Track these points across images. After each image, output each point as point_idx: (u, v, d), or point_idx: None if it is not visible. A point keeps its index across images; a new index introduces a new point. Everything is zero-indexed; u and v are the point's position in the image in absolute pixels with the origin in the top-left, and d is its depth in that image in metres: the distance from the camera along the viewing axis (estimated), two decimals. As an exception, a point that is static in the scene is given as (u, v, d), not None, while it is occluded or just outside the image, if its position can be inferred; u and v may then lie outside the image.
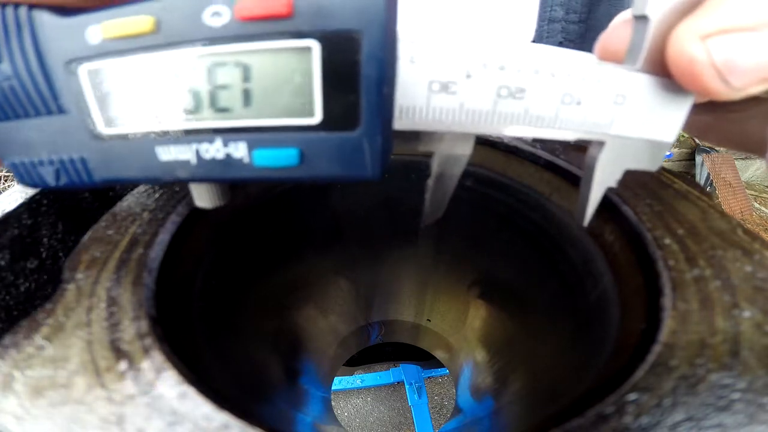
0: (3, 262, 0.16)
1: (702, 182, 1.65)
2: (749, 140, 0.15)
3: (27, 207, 0.17)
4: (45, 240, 0.18)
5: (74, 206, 0.19)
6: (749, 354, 0.11)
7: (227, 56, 0.09)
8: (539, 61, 0.11)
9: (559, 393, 0.17)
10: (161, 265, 0.14)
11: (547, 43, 0.27)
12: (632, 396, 0.10)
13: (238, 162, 0.10)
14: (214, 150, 0.09)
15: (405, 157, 0.23)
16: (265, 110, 0.09)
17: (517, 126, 0.11)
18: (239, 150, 0.09)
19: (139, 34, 0.09)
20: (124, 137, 0.10)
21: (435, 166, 0.13)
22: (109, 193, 0.22)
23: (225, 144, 0.09)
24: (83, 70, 0.09)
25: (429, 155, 0.23)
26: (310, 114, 0.09)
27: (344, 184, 0.23)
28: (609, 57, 0.12)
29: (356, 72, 0.08)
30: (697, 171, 1.73)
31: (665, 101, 0.12)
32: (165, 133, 0.09)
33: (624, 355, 0.12)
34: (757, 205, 1.70)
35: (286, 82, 0.09)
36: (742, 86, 0.10)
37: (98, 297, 0.12)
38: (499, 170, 0.21)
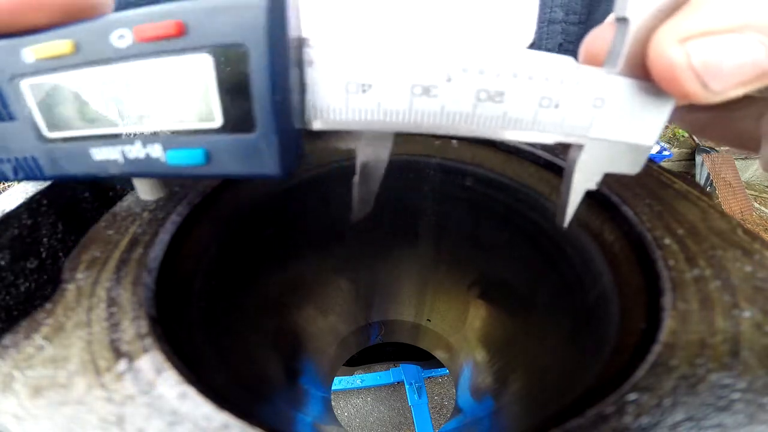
0: (3, 262, 0.16)
1: (702, 182, 1.66)
2: (745, 138, 0.15)
3: (27, 207, 0.17)
4: (45, 240, 0.18)
5: (74, 206, 0.19)
6: (749, 354, 0.11)
7: (135, 71, 0.10)
8: (517, 64, 0.11)
9: (559, 393, 0.17)
10: (161, 265, 0.14)
11: (547, 44, 0.27)
12: (632, 396, 0.10)
13: (156, 161, 0.11)
14: (136, 151, 0.11)
15: (405, 157, 0.23)
16: (174, 116, 0.10)
17: (496, 129, 0.11)
18: (156, 150, 0.11)
19: (63, 54, 0.10)
20: (64, 140, 0.11)
21: (358, 163, 0.13)
22: (109, 193, 0.22)
23: (144, 146, 0.11)
24: (25, 84, 0.11)
25: (428, 155, 0.23)
26: (212, 119, 0.10)
27: (344, 184, 0.23)
28: (592, 59, 0.12)
29: (247, 81, 0.10)
30: (697, 171, 1.73)
31: (645, 104, 0.12)
32: (95, 137, 0.11)
33: (624, 355, 0.12)
34: (757, 205, 1.70)
35: (189, 91, 0.10)
36: (721, 90, 0.10)
37: (98, 297, 0.12)
38: (498, 170, 0.21)
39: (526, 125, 0.11)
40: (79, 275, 0.13)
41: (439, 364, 0.39)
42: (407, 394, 0.88)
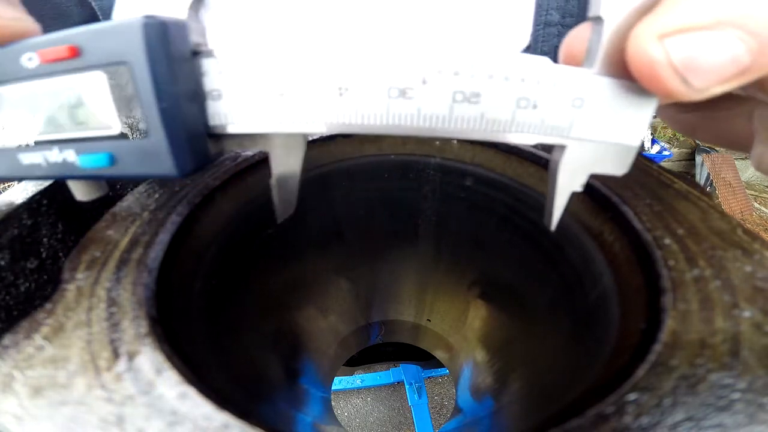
0: (3, 262, 0.16)
1: (702, 182, 1.66)
2: (736, 138, 0.15)
3: (27, 207, 0.17)
4: (45, 240, 0.18)
5: (74, 206, 0.19)
6: (749, 354, 0.11)
7: (43, 88, 0.12)
8: (492, 65, 0.11)
9: (559, 393, 0.17)
10: (161, 265, 0.14)
11: (543, 47, 0.27)
12: (632, 396, 0.10)
13: (72, 164, 0.12)
14: (55, 156, 0.12)
15: (405, 157, 0.23)
16: (82, 125, 0.12)
17: (475, 130, 0.11)
18: (70, 155, 0.12)
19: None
20: (-2, 146, 0.13)
21: (273, 165, 0.13)
22: (109, 193, 0.22)
23: (60, 151, 0.12)
24: None
25: (428, 155, 0.23)
26: (111, 127, 0.12)
27: (344, 184, 0.23)
28: (571, 59, 0.12)
29: (135, 93, 0.11)
30: (697, 171, 1.73)
31: (627, 104, 0.12)
32: (21, 145, 0.13)
33: (624, 355, 0.12)
34: (757, 205, 1.70)
35: (89, 103, 0.12)
36: (703, 87, 0.10)
37: (98, 297, 0.12)
38: (499, 170, 0.21)
39: (505, 126, 0.11)
40: (79, 275, 0.13)
41: (439, 364, 0.39)
42: (407, 394, 0.88)
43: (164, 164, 0.12)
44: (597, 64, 0.11)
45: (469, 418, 0.28)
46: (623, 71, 0.11)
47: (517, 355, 0.26)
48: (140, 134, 0.12)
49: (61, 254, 0.19)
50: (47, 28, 0.27)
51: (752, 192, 1.76)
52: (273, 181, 0.13)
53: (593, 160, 0.12)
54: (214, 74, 0.12)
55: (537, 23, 0.26)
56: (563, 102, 0.11)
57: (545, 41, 0.27)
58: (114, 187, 0.21)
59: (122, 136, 0.12)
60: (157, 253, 0.14)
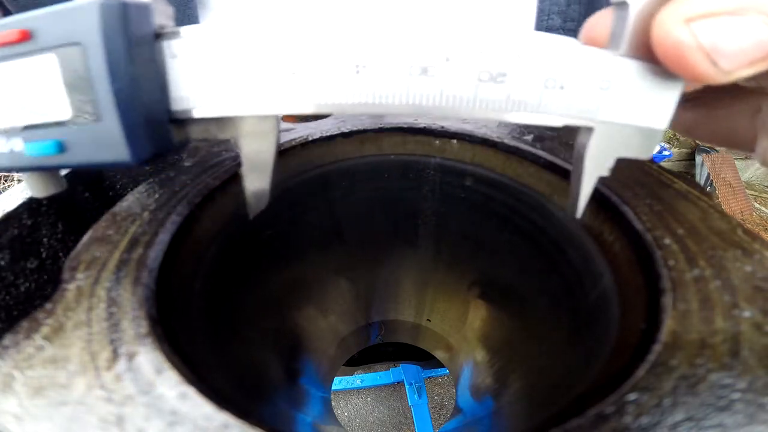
0: (3, 262, 0.16)
1: (702, 182, 1.65)
2: (737, 136, 0.15)
3: (27, 207, 0.17)
4: (45, 240, 0.18)
5: (74, 206, 0.19)
6: (749, 354, 0.11)
7: None
8: (519, 44, 0.10)
9: (559, 393, 0.17)
10: (161, 265, 0.14)
11: None
12: (632, 396, 0.10)
13: (19, 154, 0.12)
14: (1, 146, 0.12)
15: (405, 157, 0.23)
16: (30, 111, 0.11)
17: (501, 112, 0.11)
18: (17, 145, 0.12)
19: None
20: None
21: (242, 154, 0.13)
22: (109, 193, 0.22)
23: (7, 140, 0.12)
24: None
25: (428, 155, 0.23)
26: (63, 112, 0.11)
27: (344, 184, 0.23)
28: (593, 44, 0.12)
29: (88, 75, 0.11)
30: (697, 171, 1.73)
31: (654, 87, 0.12)
32: None
33: (624, 355, 0.12)
34: (757, 205, 1.70)
35: (40, 87, 0.11)
36: (732, 69, 0.10)
37: (98, 297, 0.12)
38: (499, 170, 0.21)
39: (532, 107, 0.11)
40: (79, 275, 0.13)
41: (439, 364, 0.39)
42: (407, 394, 0.88)
43: (118, 150, 0.11)
44: (623, 47, 0.11)
45: (469, 418, 0.28)
46: (649, 55, 0.11)
47: (517, 355, 0.26)
48: (93, 119, 0.11)
49: (61, 254, 0.19)
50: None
51: (752, 192, 1.76)
52: (243, 170, 0.13)
53: (620, 144, 0.12)
54: (179, 56, 0.11)
55: (538, 28, 0.26)
56: (590, 84, 0.11)
57: None
58: (114, 187, 0.21)
59: (73, 121, 0.11)
60: (157, 253, 0.14)
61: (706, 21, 0.10)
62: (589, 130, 0.12)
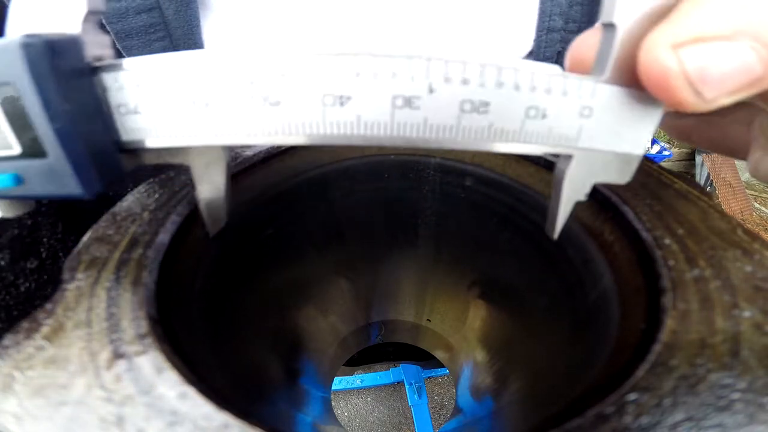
0: (3, 262, 0.16)
1: (702, 182, 1.65)
2: (732, 143, 0.15)
3: (27, 207, 0.17)
4: (45, 240, 0.18)
5: (74, 206, 0.19)
6: (749, 354, 0.11)
7: None
8: (502, 74, 0.10)
9: (559, 393, 0.17)
10: (161, 265, 0.14)
11: (545, 52, 0.27)
12: (632, 396, 0.10)
13: None
14: None
15: (405, 157, 0.23)
16: None
17: (482, 141, 0.11)
18: None
19: None
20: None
21: (194, 180, 0.13)
22: (109, 193, 0.22)
23: None
24: None
25: (428, 155, 0.23)
26: (13, 147, 0.11)
27: (344, 184, 0.23)
28: (578, 65, 0.12)
29: (26, 113, 0.11)
30: (697, 171, 1.73)
31: (634, 113, 0.12)
32: None
33: (624, 355, 0.12)
34: (757, 205, 1.70)
35: None
36: (713, 98, 0.10)
37: (98, 297, 0.12)
38: (499, 170, 0.21)
39: (513, 136, 0.11)
40: (79, 275, 0.13)
41: (439, 364, 0.39)
42: (407, 394, 0.88)
43: (70, 185, 0.12)
44: (606, 72, 0.11)
45: (469, 418, 0.28)
46: (632, 80, 0.11)
47: (517, 355, 0.26)
48: (40, 155, 0.11)
49: (61, 254, 0.19)
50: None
51: (752, 192, 1.76)
52: (197, 194, 0.13)
53: (598, 170, 0.12)
54: (125, 88, 0.11)
55: (540, 29, 0.26)
56: (572, 111, 0.11)
57: (548, 47, 0.27)
58: (114, 187, 0.21)
59: (23, 156, 0.11)
60: (157, 253, 0.14)
61: (695, 47, 0.09)
62: (568, 157, 0.12)
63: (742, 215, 1.57)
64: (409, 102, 0.10)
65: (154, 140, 0.12)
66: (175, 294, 0.14)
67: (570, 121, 0.11)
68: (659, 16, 0.10)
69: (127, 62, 0.11)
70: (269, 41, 0.26)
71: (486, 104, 0.11)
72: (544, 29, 0.26)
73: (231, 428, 0.09)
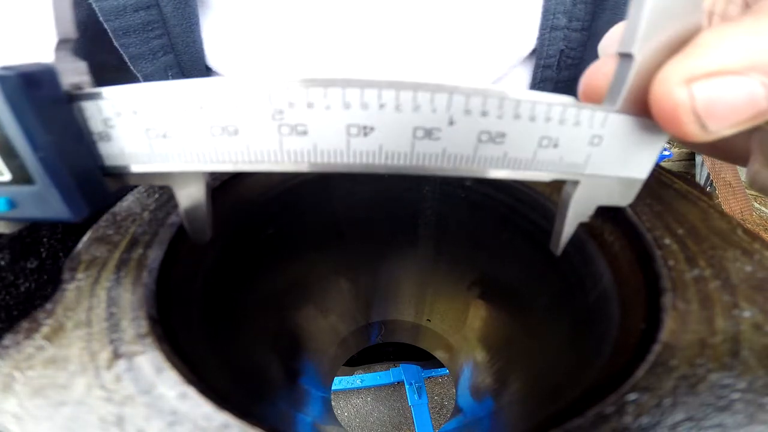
0: (3, 262, 0.16)
1: (702, 182, 1.65)
2: (732, 151, 0.15)
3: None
4: (45, 240, 0.18)
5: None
6: (749, 354, 0.11)
7: None
8: (520, 106, 0.11)
9: (559, 393, 0.17)
10: (161, 265, 0.14)
11: (548, 50, 0.27)
12: (632, 396, 0.10)
13: None
14: None
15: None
16: None
17: (494, 169, 0.11)
18: None
19: None
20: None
21: (178, 200, 0.13)
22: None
23: None
24: None
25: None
26: (3, 174, 0.12)
27: (344, 184, 0.23)
28: (591, 93, 0.12)
29: (11, 143, 0.11)
30: (697, 171, 1.73)
31: (640, 140, 0.12)
32: None
33: (624, 355, 0.12)
34: (757, 205, 1.70)
35: None
36: (716, 131, 0.10)
37: (98, 297, 0.12)
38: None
39: (525, 165, 0.11)
40: (79, 275, 0.13)
41: (439, 364, 0.39)
42: (407, 394, 0.88)
43: (58, 209, 0.12)
44: (619, 102, 0.11)
45: (469, 418, 0.28)
46: (642, 109, 0.11)
47: (517, 355, 0.26)
48: (27, 181, 0.11)
49: (61, 254, 0.19)
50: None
51: (752, 192, 1.76)
52: (180, 211, 0.14)
53: (602, 194, 0.13)
54: (104, 116, 0.11)
55: (543, 27, 0.26)
56: (582, 140, 0.11)
57: (551, 45, 0.27)
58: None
59: (13, 182, 0.12)
60: (157, 253, 0.14)
61: (707, 81, 0.09)
62: (575, 182, 0.12)
63: (742, 215, 1.57)
64: (429, 133, 0.11)
65: (137, 166, 0.12)
66: (175, 294, 0.14)
67: (580, 149, 0.11)
68: (675, 46, 0.10)
69: (107, 91, 0.11)
70: (267, 41, 0.26)
71: (502, 135, 0.11)
72: (547, 27, 0.26)
73: (231, 428, 0.09)
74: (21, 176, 0.11)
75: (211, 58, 0.26)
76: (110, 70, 0.28)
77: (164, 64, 0.25)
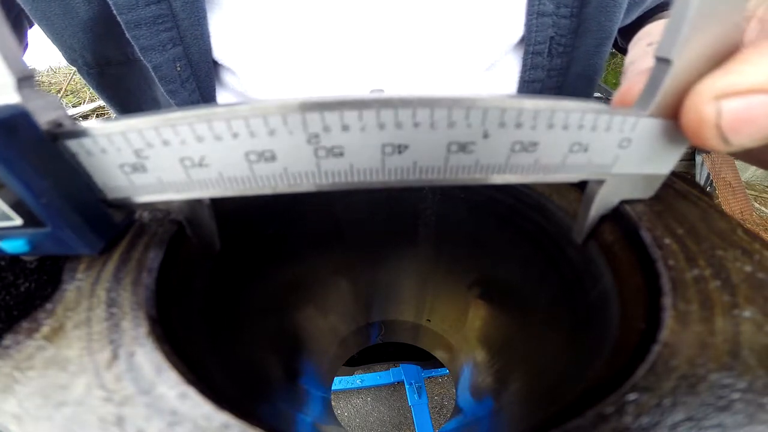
0: (3, 262, 0.16)
1: (702, 182, 1.65)
2: (752, 153, 0.16)
3: (27, 207, 0.17)
4: (45, 240, 0.18)
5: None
6: (749, 354, 0.11)
7: None
8: (555, 116, 0.11)
9: (559, 393, 0.17)
10: (161, 265, 0.14)
11: (537, 37, 0.26)
12: (632, 396, 0.10)
13: (2, 248, 0.13)
14: None
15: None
16: None
17: (524, 175, 0.12)
18: None
19: None
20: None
21: (183, 219, 0.14)
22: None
23: None
24: None
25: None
26: (15, 220, 0.12)
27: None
28: (627, 97, 0.12)
29: (11, 192, 0.11)
30: (697, 171, 1.73)
31: (667, 141, 0.12)
32: None
33: (624, 355, 0.12)
34: (757, 205, 1.70)
35: None
36: (739, 144, 0.10)
37: (98, 297, 0.12)
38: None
39: (554, 169, 0.12)
40: (79, 275, 0.13)
41: (439, 364, 0.39)
42: (407, 394, 0.88)
43: (75, 246, 0.12)
44: (651, 107, 0.11)
45: (469, 418, 0.28)
46: (674, 114, 0.11)
47: (517, 355, 0.26)
48: (39, 225, 0.12)
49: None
50: (55, 26, 0.27)
51: (752, 192, 1.76)
52: (187, 231, 0.14)
53: (626, 189, 0.13)
54: (94, 153, 0.11)
55: (530, 13, 0.26)
56: (612, 144, 0.12)
57: (539, 31, 0.26)
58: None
59: (26, 226, 0.12)
60: (157, 253, 0.14)
61: (737, 99, 0.10)
62: (601, 181, 0.13)
63: (742, 215, 1.57)
64: (463, 147, 0.11)
65: (140, 197, 0.12)
66: (175, 294, 0.14)
67: (609, 152, 0.12)
68: (712, 52, 0.10)
69: (90, 127, 0.11)
70: (273, 35, 0.26)
71: (535, 144, 0.11)
72: (534, 13, 0.26)
73: (231, 428, 0.09)
74: (31, 221, 0.12)
75: (218, 52, 0.26)
76: (114, 64, 0.29)
77: (173, 56, 0.25)
